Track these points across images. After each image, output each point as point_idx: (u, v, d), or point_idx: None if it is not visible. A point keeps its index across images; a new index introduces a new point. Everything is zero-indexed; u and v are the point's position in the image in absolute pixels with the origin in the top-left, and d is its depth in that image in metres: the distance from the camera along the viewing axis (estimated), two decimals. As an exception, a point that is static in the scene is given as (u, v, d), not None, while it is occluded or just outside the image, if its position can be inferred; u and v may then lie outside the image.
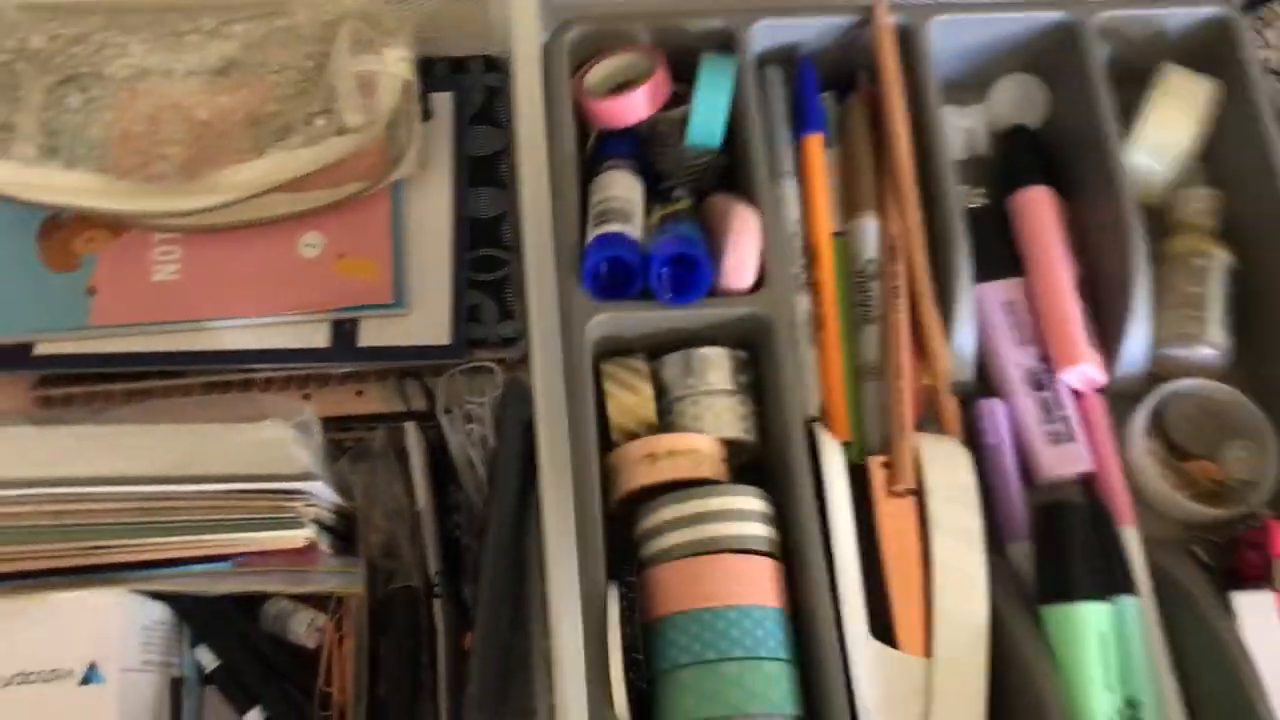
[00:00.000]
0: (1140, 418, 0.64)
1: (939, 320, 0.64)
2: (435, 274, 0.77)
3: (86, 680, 0.60)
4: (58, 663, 0.60)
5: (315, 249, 0.76)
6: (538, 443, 0.60)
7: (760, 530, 0.55)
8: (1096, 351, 0.65)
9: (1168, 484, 0.63)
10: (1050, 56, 0.73)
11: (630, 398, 0.60)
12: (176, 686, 0.67)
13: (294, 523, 0.66)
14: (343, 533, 0.74)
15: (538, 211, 0.66)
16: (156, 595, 0.66)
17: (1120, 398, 0.66)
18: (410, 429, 0.74)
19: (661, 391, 0.61)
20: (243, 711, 0.69)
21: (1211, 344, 0.64)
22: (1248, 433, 0.63)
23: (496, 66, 0.83)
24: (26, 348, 0.73)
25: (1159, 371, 0.66)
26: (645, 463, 0.57)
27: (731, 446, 0.60)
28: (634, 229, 0.64)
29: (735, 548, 0.54)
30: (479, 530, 0.73)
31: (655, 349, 0.63)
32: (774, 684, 0.52)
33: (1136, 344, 0.64)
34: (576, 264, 0.63)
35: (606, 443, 0.62)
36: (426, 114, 0.79)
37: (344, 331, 0.75)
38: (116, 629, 0.61)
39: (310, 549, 0.67)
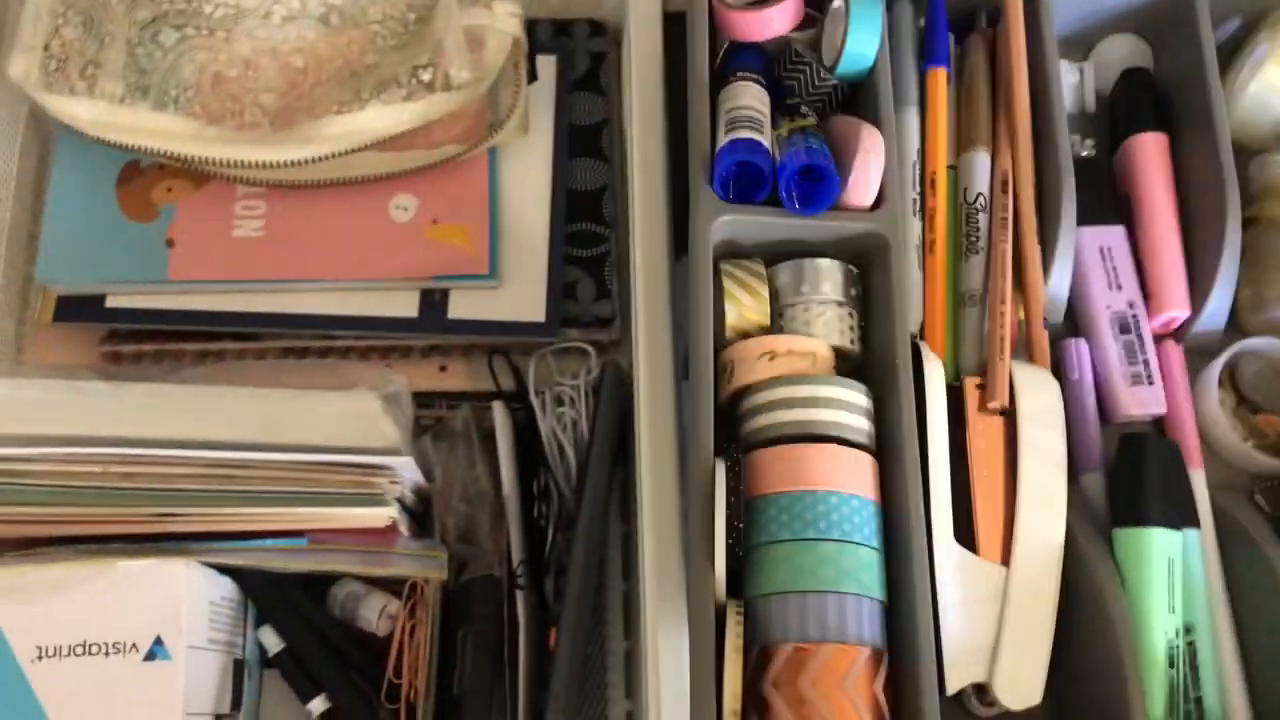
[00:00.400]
0: (1214, 370, 0.67)
1: (1039, 258, 0.66)
2: (531, 247, 0.72)
3: (151, 656, 0.56)
4: (121, 634, 0.56)
5: (407, 212, 0.71)
6: (637, 367, 0.62)
7: (864, 424, 0.58)
8: (1187, 300, 0.69)
9: (1236, 434, 0.67)
10: (1159, 20, 0.74)
11: (747, 298, 0.61)
12: (239, 669, 0.63)
13: (378, 500, 0.61)
14: (419, 514, 0.69)
15: (648, 140, 0.68)
16: (223, 570, 0.62)
17: (1200, 353, 0.69)
18: (498, 408, 0.69)
19: (774, 296, 0.63)
20: (306, 699, 0.65)
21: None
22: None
23: (601, 30, 0.79)
24: (99, 299, 0.69)
25: (1249, 330, 0.69)
26: (764, 359, 0.59)
27: (837, 354, 0.62)
28: (764, 138, 0.63)
29: (841, 437, 0.57)
30: (566, 521, 0.68)
31: (772, 255, 0.64)
32: (866, 568, 0.55)
33: (1221, 299, 0.67)
34: (708, 165, 0.63)
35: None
36: (532, 76, 0.74)
37: (433, 301, 0.70)
38: (185, 603, 0.57)
39: (391, 529, 0.63)
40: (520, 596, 0.65)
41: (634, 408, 0.65)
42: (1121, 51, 0.76)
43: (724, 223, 0.61)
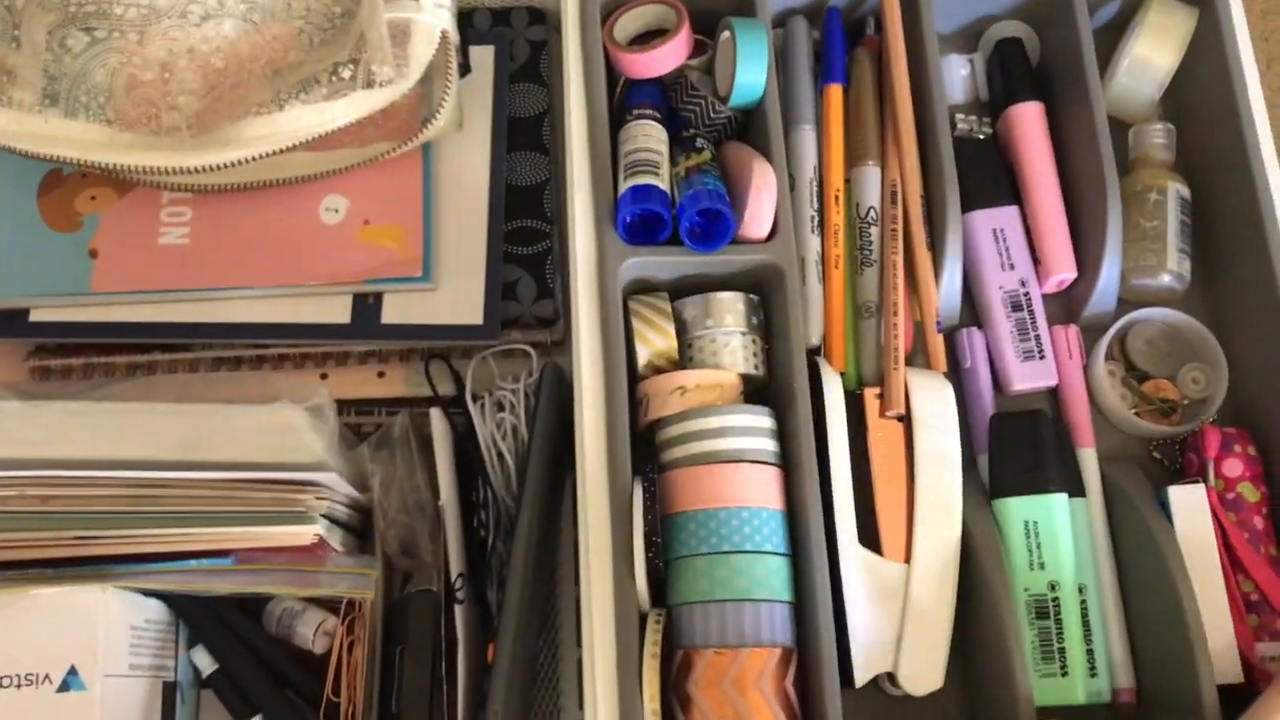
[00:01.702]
0: (1103, 342, 0.69)
1: (930, 264, 0.67)
2: (469, 246, 0.70)
3: (65, 687, 0.54)
4: (34, 665, 0.54)
5: (338, 214, 0.69)
6: (576, 371, 0.62)
7: (769, 444, 0.61)
8: (1073, 261, 0.70)
9: (1125, 403, 0.69)
10: (1041, 4, 0.74)
11: (655, 335, 0.64)
12: (170, 692, 0.61)
13: (303, 517, 0.59)
14: (357, 527, 0.67)
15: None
16: (150, 592, 0.60)
17: (1094, 330, 0.70)
18: (436, 415, 0.67)
19: (682, 328, 0.65)
20: (242, 719, 0.64)
21: (1171, 273, 0.69)
22: (1202, 356, 0.70)
23: (541, 18, 0.76)
24: (23, 313, 0.67)
25: (1128, 299, 0.71)
26: (676, 394, 0.62)
27: (743, 379, 0.65)
28: (662, 180, 0.65)
29: (748, 458, 0.60)
30: (507, 530, 0.66)
31: (677, 289, 0.66)
32: (775, 575, 0.58)
33: (1109, 275, 0.68)
34: (611, 210, 0.64)
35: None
36: (464, 69, 0.71)
37: (367, 306, 0.68)
38: (101, 630, 0.55)
39: (320, 546, 0.61)
40: (460, 611, 0.63)
41: (575, 411, 0.64)
42: (1007, 36, 0.75)
43: (630, 264, 0.63)
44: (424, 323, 0.68)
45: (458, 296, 0.69)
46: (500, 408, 0.68)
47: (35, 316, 0.67)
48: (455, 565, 0.64)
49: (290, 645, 0.65)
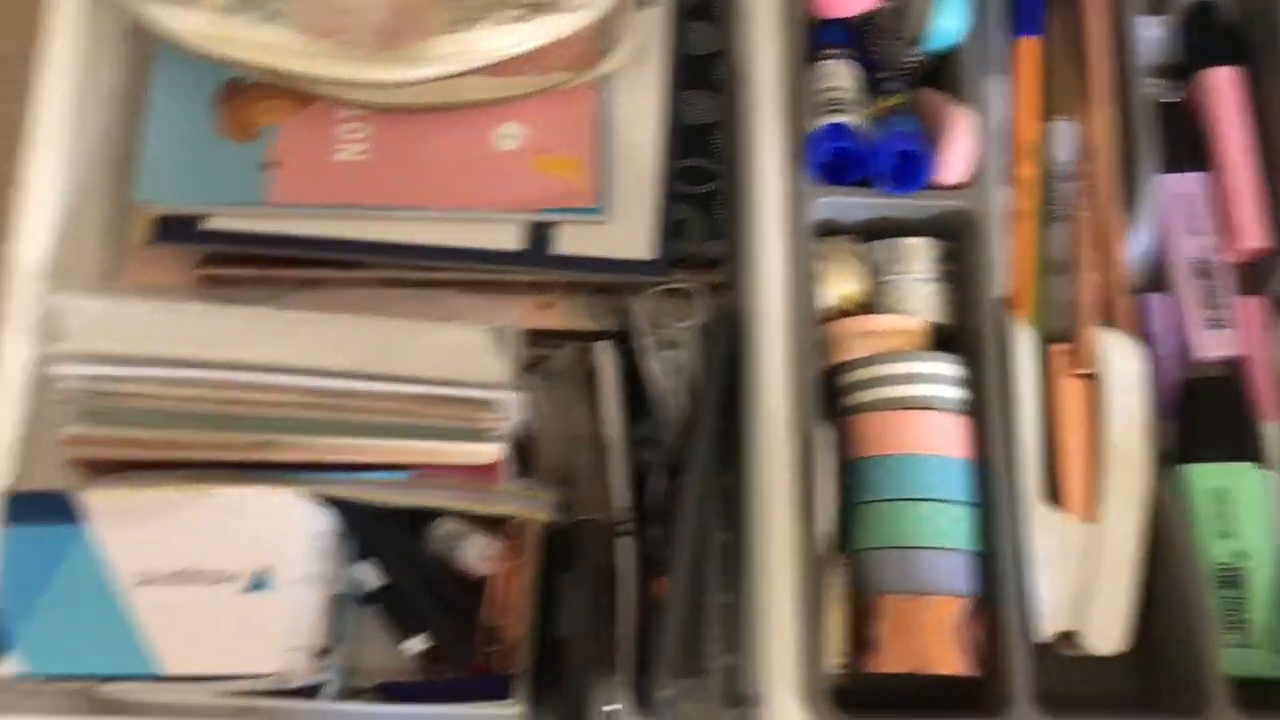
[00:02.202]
0: None
1: (1121, 224, 0.66)
2: (639, 182, 0.69)
3: (253, 587, 0.54)
4: (224, 564, 0.54)
5: (513, 141, 0.68)
6: (760, 310, 0.61)
7: (957, 393, 0.61)
8: (1264, 232, 0.67)
9: None
10: None
11: (844, 276, 0.63)
12: (336, 604, 0.61)
13: (485, 436, 0.59)
14: (517, 455, 0.67)
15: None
16: (323, 502, 0.60)
17: None
18: (602, 349, 0.67)
19: (869, 272, 0.65)
20: (404, 638, 0.64)
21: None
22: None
23: (717, -44, 0.75)
24: (196, 220, 0.67)
25: None
26: (862, 337, 0.62)
27: (930, 326, 0.65)
28: (857, 119, 0.64)
29: (937, 406, 0.60)
30: (671, 468, 0.66)
31: (865, 233, 0.66)
32: (961, 524, 0.59)
33: None
34: (803, 149, 0.64)
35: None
36: (643, 1, 0.71)
37: (538, 235, 0.68)
38: (289, 534, 0.55)
39: (494, 468, 0.61)
40: (623, 543, 0.63)
41: (744, 356, 0.63)
42: (1202, -1, 0.74)
43: (821, 204, 0.63)
44: (595, 255, 0.67)
45: (628, 232, 0.68)
46: (667, 346, 0.67)
47: (210, 225, 0.67)
48: (620, 499, 0.64)
49: (452, 567, 0.65)
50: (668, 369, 0.66)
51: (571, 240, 0.68)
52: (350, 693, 0.66)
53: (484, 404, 0.59)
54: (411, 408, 0.59)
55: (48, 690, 0.57)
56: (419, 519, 0.66)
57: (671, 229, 0.68)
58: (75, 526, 0.55)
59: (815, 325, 0.61)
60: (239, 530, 0.55)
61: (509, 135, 0.69)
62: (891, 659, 0.56)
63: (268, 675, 0.53)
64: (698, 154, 0.71)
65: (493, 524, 0.66)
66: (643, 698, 0.60)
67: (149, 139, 0.67)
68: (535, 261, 0.67)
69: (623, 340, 0.68)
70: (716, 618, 0.69)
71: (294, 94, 0.68)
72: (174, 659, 0.53)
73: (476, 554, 0.64)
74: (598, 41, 0.69)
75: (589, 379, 0.69)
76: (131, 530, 0.54)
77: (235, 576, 0.54)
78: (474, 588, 0.64)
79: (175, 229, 0.67)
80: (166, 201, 0.66)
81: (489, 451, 0.59)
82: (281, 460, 0.58)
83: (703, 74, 0.73)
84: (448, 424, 0.59)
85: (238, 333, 0.59)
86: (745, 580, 0.67)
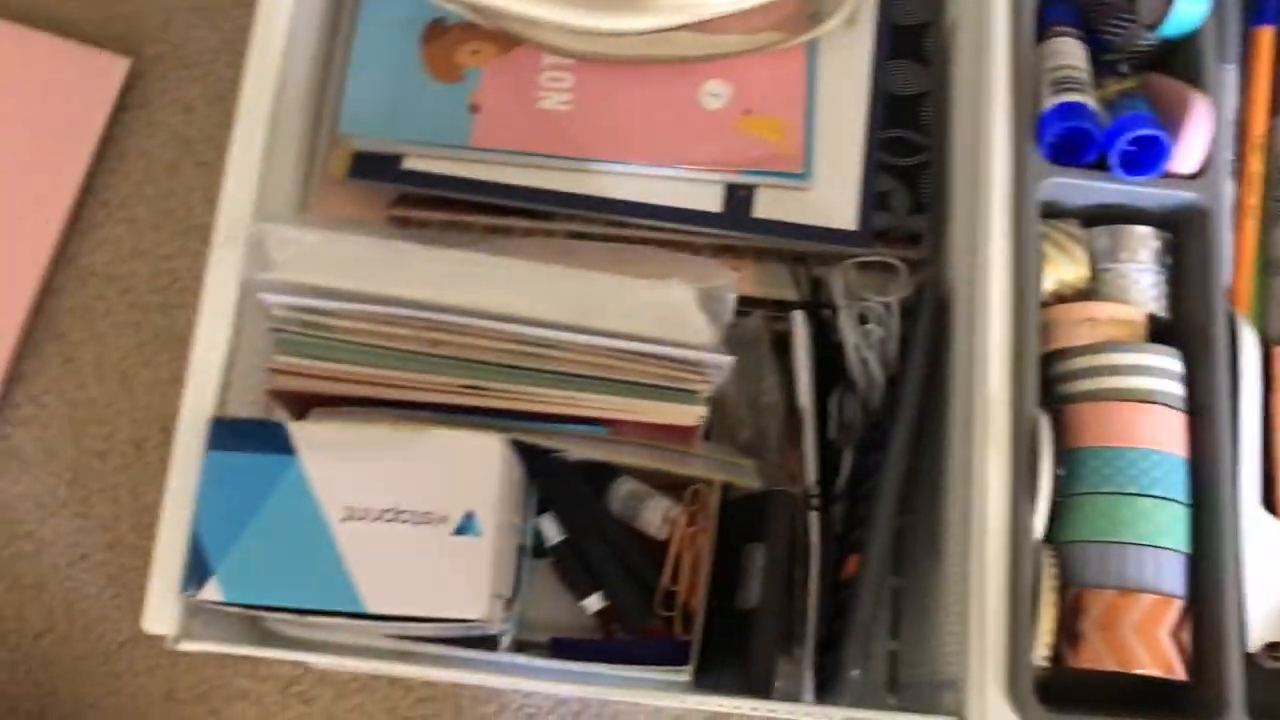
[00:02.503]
0: None
1: None
2: (845, 150, 0.67)
3: (461, 530, 0.54)
4: (432, 505, 0.54)
5: (719, 100, 0.67)
6: (980, 290, 0.59)
7: (1179, 390, 0.59)
8: None
9: None
10: None
11: (1067, 261, 0.61)
12: (517, 555, 0.61)
13: (691, 397, 0.58)
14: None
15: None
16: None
17: None
18: (798, 318, 0.65)
19: (1090, 259, 0.62)
20: (581, 595, 0.63)
21: None
22: None
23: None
24: (396, 159, 0.67)
25: None
26: (1086, 324, 0.60)
27: (1149, 319, 0.62)
28: (1089, 100, 0.61)
29: (1159, 400, 0.57)
30: (861, 444, 0.64)
31: (1085, 218, 0.63)
32: (1179, 524, 0.56)
33: None
34: (1033, 127, 0.61)
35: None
36: (859, -34, 0.69)
37: (739, 198, 0.66)
38: (495, 480, 0.54)
39: (691, 430, 0.60)
40: (814, 518, 0.62)
41: (948, 336, 0.62)
42: None
43: (1048, 184, 0.60)
44: (796, 221, 0.66)
45: (832, 200, 0.66)
46: (863, 320, 0.66)
47: (408, 165, 0.66)
48: (811, 471, 0.63)
49: (631, 527, 0.64)
50: (864, 343, 0.65)
51: (770, 205, 0.66)
52: (520, 646, 0.66)
53: (690, 364, 0.58)
54: (617, 363, 0.58)
55: (225, 618, 0.57)
56: (597, 477, 0.65)
57: (875, 200, 0.67)
58: (286, 457, 0.54)
59: (1038, 308, 0.58)
60: (449, 472, 0.54)
61: (715, 93, 0.67)
62: (1097, 655, 0.54)
63: (471, 620, 0.53)
64: (904, 125, 0.69)
65: (668, 487, 0.65)
66: (825, 677, 0.59)
67: (354, 73, 0.67)
68: (736, 224, 0.66)
69: (814, 311, 0.67)
70: (889, 602, 0.68)
71: (499, 37, 0.67)
72: (375, 597, 0.53)
73: (658, 516, 0.63)
74: (808, 5, 0.67)
75: (779, 348, 0.68)
76: (341, 465, 0.54)
77: (444, 518, 0.53)
78: (653, 550, 0.64)
79: (373, 166, 0.66)
80: (369, 136, 0.66)
81: (693, 413, 0.58)
82: (483, 405, 0.58)
83: (911, 44, 0.71)
84: (652, 382, 0.58)
85: (447, 275, 0.58)
86: (916, 566, 0.66)
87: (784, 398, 0.66)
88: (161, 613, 0.54)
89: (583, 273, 0.59)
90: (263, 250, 0.58)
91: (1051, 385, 0.59)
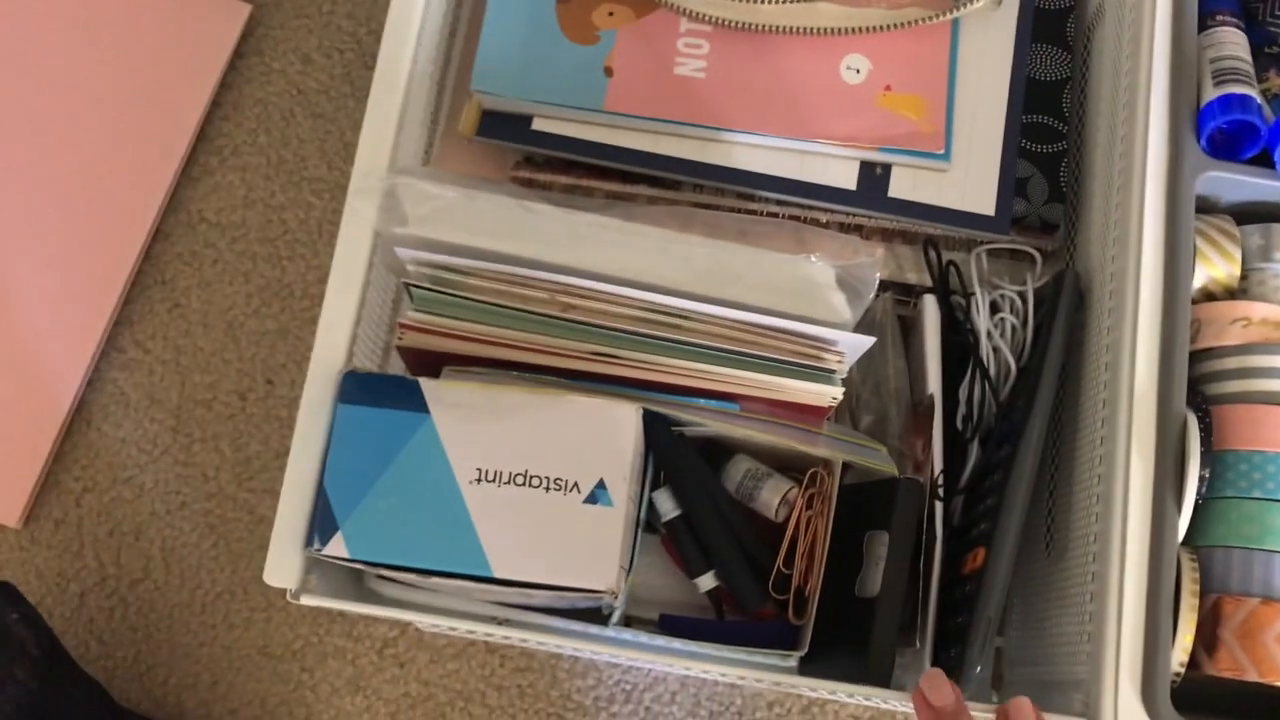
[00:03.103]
0: None
1: None
2: (985, 132, 0.65)
3: (593, 499, 0.52)
4: (564, 471, 0.52)
5: (859, 75, 0.65)
6: (1130, 284, 0.57)
7: None
8: None
9: None
10: None
11: (1219, 258, 0.59)
12: (632, 528, 0.59)
13: (828, 377, 0.56)
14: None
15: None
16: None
17: None
18: (929, 303, 0.64)
19: (1243, 257, 0.60)
20: (694, 572, 0.62)
21: None
22: None
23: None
24: (525, 120, 0.65)
25: None
26: (1238, 325, 0.58)
27: None
28: (1255, 92, 0.59)
29: None
30: (986, 435, 0.63)
31: (1239, 215, 0.61)
32: None
33: None
34: (1193, 118, 0.59)
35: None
36: (1009, -54, 0.67)
37: (875, 176, 0.65)
38: (626, 450, 0.53)
39: (825, 410, 0.58)
40: (938, 508, 0.60)
41: (1085, 328, 0.60)
42: None
43: (1206, 179, 0.58)
44: (932, 203, 0.64)
45: (970, 183, 0.65)
46: (995, 308, 0.64)
47: (538, 126, 0.65)
48: (938, 461, 0.61)
49: (747, 507, 0.63)
50: (996, 332, 0.63)
51: (909, 185, 0.65)
52: (628, 621, 0.65)
53: (828, 343, 0.56)
54: (753, 338, 0.56)
55: (336, 574, 0.56)
56: (714, 454, 0.64)
57: (1014, 186, 0.65)
58: (418, 415, 0.53)
59: (1189, 305, 0.57)
60: (583, 439, 0.53)
61: (854, 68, 0.65)
62: (1237, 664, 0.53)
63: (598, 591, 0.52)
64: (1045, 112, 0.67)
65: (782, 469, 0.63)
66: (947, 670, 0.58)
67: (488, 30, 0.65)
68: (871, 203, 0.64)
69: (945, 296, 0.65)
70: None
71: (634, 0, 0.66)
72: (503, 562, 0.52)
73: (776, 497, 0.62)
74: (955, -20, 0.65)
75: (906, 332, 0.66)
76: (473, 426, 0.53)
77: (577, 485, 0.52)
78: (769, 531, 0.62)
79: (502, 126, 0.65)
80: (501, 94, 0.64)
81: (829, 393, 0.56)
82: (613, 374, 0.56)
83: (1054, 29, 0.69)
84: (789, 359, 0.56)
85: (583, 239, 0.56)
86: (1032, 562, 0.64)
87: (908, 383, 0.65)
88: (283, 566, 0.54)
89: (718, 242, 0.57)
90: (398, 203, 0.57)
91: (1198, 385, 0.58)
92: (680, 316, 0.56)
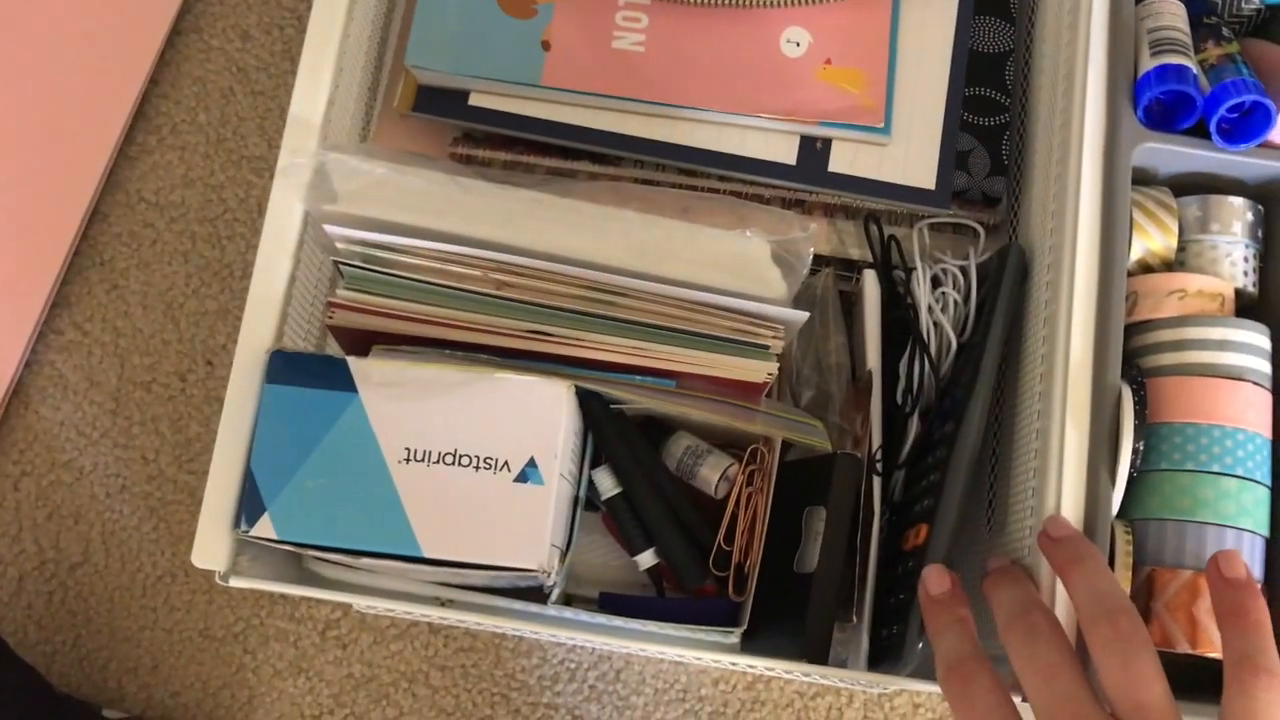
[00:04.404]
0: None
1: None
2: (926, 106, 0.65)
3: (523, 478, 0.52)
4: (494, 450, 0.52)
5: (799, 48, 0.65)
6: (1066, 257, 0.57)
7: (1267, 368, 0.57)
8: None
9: None
10: None
11: (1155, 230, 0.59)
12: (572, 507, 0.59)
13: (763, 353, 0.56)
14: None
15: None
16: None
17: None
18: (870, 278, 0.63)
19: (1180, 229, 0.60)
20: (634, 550, 0.61)
21: None
22: None
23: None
24: (462, 95, 0.64)
25: None
26: (1174, 297, 0.58)
27: (1236, 295, 0.60)
28: (1192, 63, 0.59)
29: (1249, 378, 0.56)
30: (933, 411, 0.63)
31: (1175, 187, 0.61)
32: (1261, 506, 0.55)
33: None
34: (1130, 90, 0.58)
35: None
36: (951, -84, 0.66)
37: (814, 151, 0.64)
38: (558, 428, 0.53)
39: (761, 386, 0.58)
40: (876, 484, 0.60)
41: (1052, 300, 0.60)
42: None
43: (1143, 150, 0.58)
44: (873, 178, 0.64)
45: (910, 157, 0.64)
46: (937, 283, 0.64)
47: (475, 101, 0.64)
48: (876, 436, 0.61)
49: (687, 484, 0.62)
50: (941, 304, 0.63)
51: (850, 159, 0.64)
52: (568, 599, 0.65)
53: (763, 318, 0.56)
54: (687, 314, 0.56)
55: (270, 557, 0.56)
56: (654, 431, 0.63)
57: (955, 160, 0.64)
58: (346, 394, 0.53)
59: (1125, 277, 0.56)
60: (513, 417, 0.52)
61: (794, 41, 0.65)
62: (1169, 636, 0.53)
63: (528, 570, 0.51)
64: (986, 84, 0.67)
65: (723, 446, 0.63)
66: (884, 646, 0.58)
67: (424, 2, 0.64)
68: (811, 178, 0.64)
69: (886, 271, 0.65)
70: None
71: (573, -27, 0.65)
72: (432, 541, 0.51)
73: (716, 474, 0.62)
74: (897, -49, 0.65)
75: (848, 308, 0.66)
76: (402, 405, 0.52)
77: (507, 464, 0.52)
78: (709, 508, 0.62)
79: (438, 101, 0.64)
80: (436, 69, 0.63)
81: (764, 369, 0.56)
82: (548, 352, 0.56)
83: (998, 0, 0.68)
84: (724, 335, 0.56)
85: (516, 215, 0.56)
86: (974, 537, 0.64)
87: (850, 359, 0.64)
88: (211, 548, 0.53)
89: (655, 218, 0.57)
90: (327, 180, 0.56)
91: (1134, 358, 0.57)
92: (615, 293, 0.56)
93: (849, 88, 0.64)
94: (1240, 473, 0.54)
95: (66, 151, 0.74)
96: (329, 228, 0.55)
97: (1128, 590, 0.53)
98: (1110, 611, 0.46)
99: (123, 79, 0.75)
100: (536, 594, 0.60)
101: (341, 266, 0.56)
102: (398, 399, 0.53)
